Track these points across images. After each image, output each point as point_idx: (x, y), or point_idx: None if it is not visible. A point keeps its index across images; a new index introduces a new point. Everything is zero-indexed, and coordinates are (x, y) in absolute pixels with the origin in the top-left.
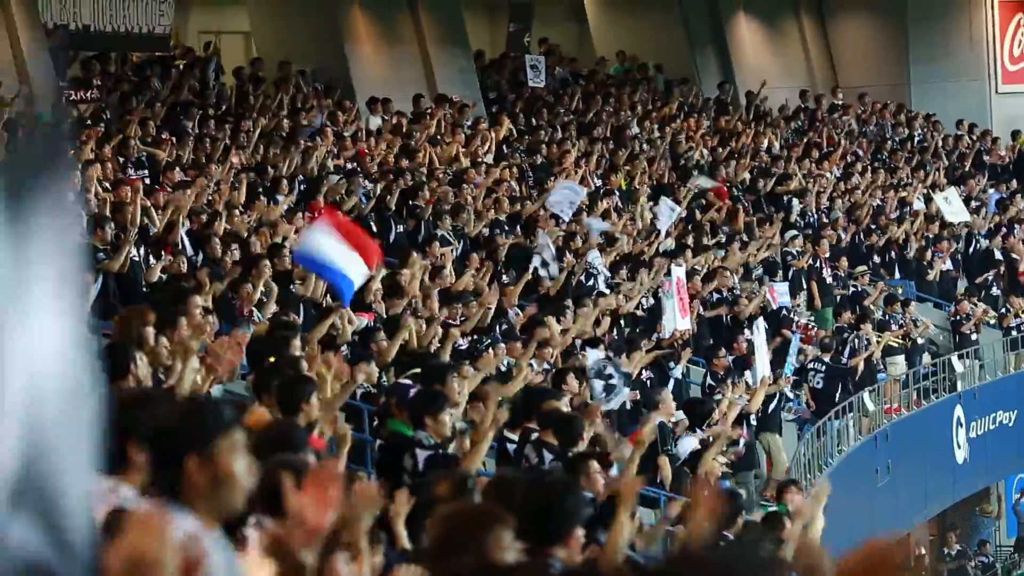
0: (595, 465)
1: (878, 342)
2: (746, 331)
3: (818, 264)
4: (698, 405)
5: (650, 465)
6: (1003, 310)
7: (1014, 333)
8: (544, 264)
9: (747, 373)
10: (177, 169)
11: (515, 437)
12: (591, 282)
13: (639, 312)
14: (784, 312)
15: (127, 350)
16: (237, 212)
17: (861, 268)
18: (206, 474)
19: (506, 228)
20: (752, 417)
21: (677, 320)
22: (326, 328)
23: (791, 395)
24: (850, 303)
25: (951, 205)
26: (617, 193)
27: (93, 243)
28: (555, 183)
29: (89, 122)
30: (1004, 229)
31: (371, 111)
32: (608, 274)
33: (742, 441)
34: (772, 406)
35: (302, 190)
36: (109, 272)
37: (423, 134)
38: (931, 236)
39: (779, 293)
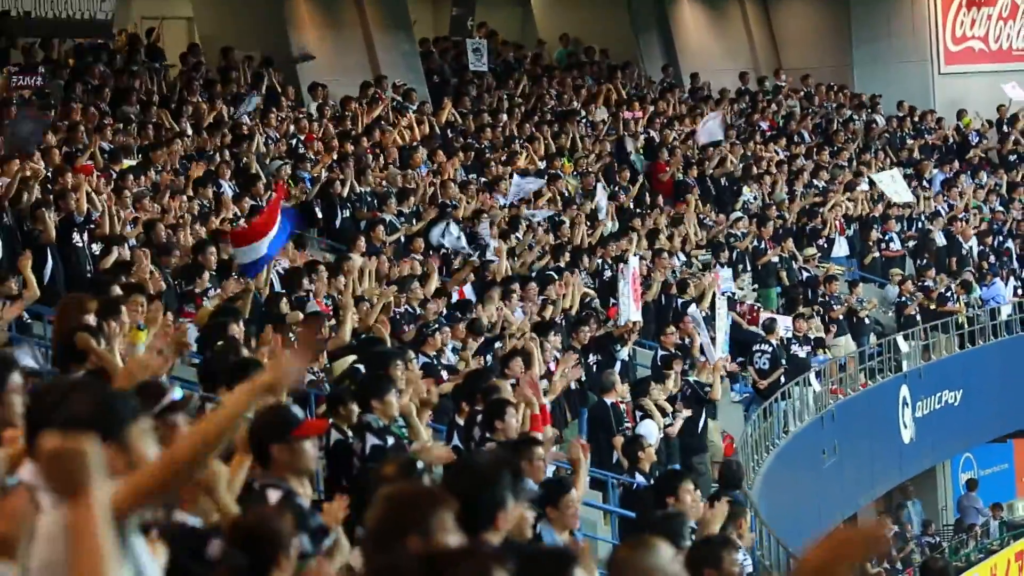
0: (539, 451)
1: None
2: (687, 315)
3: (763, 246)
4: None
5: (604, 447)
6: (947, 293)
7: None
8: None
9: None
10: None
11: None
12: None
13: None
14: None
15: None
16: (186, 199)
17: (810, 251)
18: (121, 461)
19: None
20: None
21: (631, 311)
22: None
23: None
24: (803, 287)
25: (894, 186)
26: (563, 177)
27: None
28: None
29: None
30: (948, 211)
31: (313, 96)
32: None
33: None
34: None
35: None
36: (48, 242)
37: (366, 118)
38: (875, 216)
39: (723, 279)
